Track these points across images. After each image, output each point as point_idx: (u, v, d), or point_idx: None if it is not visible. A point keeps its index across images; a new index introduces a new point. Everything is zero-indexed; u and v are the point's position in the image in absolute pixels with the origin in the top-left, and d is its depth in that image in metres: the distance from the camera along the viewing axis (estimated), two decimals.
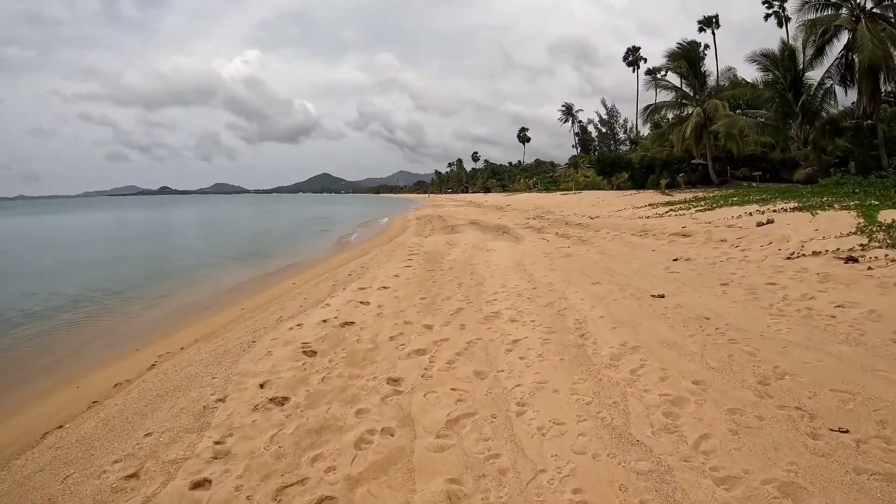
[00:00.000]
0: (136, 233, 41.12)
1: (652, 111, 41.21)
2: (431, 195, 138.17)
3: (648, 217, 21.83)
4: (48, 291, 14.87)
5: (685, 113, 37.89)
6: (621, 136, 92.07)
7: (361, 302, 9.89)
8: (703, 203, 22.93)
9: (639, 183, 45.86)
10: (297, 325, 8.45)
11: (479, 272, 12.63)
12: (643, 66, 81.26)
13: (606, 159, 56.62)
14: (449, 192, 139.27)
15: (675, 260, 12.33)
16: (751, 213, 17.26)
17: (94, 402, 6.34)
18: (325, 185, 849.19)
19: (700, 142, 36.57)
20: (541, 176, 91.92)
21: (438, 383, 5.67)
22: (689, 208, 22.32)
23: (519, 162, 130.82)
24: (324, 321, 8.55)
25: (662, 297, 8.96)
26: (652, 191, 38.03)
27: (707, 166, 37.92)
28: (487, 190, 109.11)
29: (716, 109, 34.89)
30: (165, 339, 9.58)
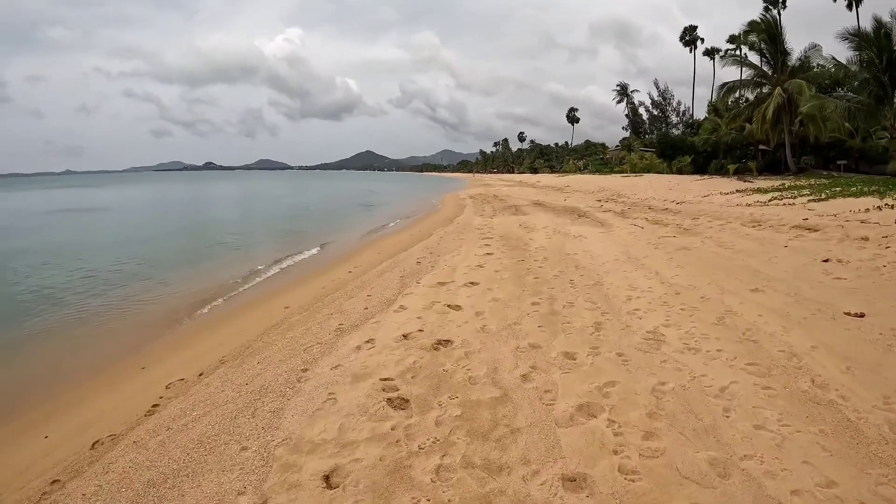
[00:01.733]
0: (178, 208, 39.26)
1: (729, 90, 36.99)
2: (477, 175, 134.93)
3: (749, 205, 18.58)
4: (69, 272, 13.12)
5: (762, 93, 33.76)
6: (673, 119, 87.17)
7: (449, 305, 7.22)
8: (805, 192, 19.56)
9: (700, 168, 42.19)
10: (367, 341, 5.82)
11: (585, 265, 9.98)
12: (700, 47, 75.84)
13: (668, 142, 52.56)
14: (494, 172, 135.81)
15: (826, 261, 9.50)
16: (879, 207, 14.00)
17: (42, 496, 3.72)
18: (368, 162, 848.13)
19: (777, 125, 32.42)
20: (591, 157, 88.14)
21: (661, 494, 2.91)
22: (794, 197, 18.98)
23: (566, 143, 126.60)
24: (404, 336, 5.90)
25: (862, 315, 6.28)
26: (719, 176, 34.43)
27: (774, 152, 34.09)
28: (535, 171, 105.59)
29: (799, 91, 30.77)
30: (183, 349, 7.07)
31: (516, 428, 3.90)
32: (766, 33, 32.82)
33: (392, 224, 23.74)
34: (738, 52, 42.39)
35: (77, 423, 5.08)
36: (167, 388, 5.47)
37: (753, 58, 36.34)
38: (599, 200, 26.90)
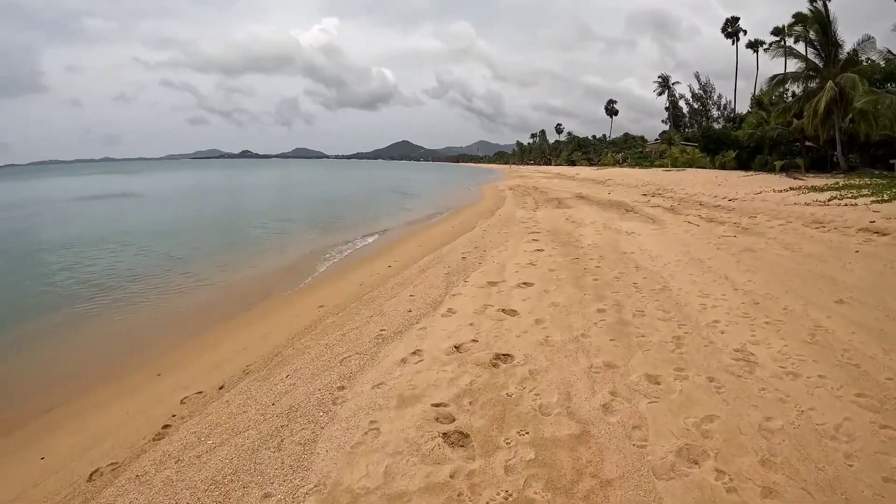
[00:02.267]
0: (217, 195, 39.13)
1: (778, 82, 34.93)
2: (513, 166, 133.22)
3: (807, 204, 17.19)
4: (90, 263, 12.87)
5: (811, 86, 31.71)
6: (714, 113, 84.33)
7: (504, 310, 6.38)
8: (864, 192, 18.09)
9: (744, 163, 40.24)
10: (413, 352, 5.03)
11: (645, 266, 9.10)
12: (742, 39, 72.72)
13: (712, 135, 50.45)
14: (531, 164, 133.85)
15: None
16: None
17: None
18: (404, 152, 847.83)
19: (827, 120, 30.37)
20: (630, 151, 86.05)
21: None
22: (854, 197, 17.55)
23: (604, 136, 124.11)
24: (456, 347, 5.09)
25: None
26: (764, 173, 32.68)
27: (820, 149, 32.12)
28: (572, 163, 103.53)
29: (852, 85, 28.72)
30: (206, 352, 6.37)
31: (606, 480, 3.07)
32: (818, 23, 30.82)
33: (432, 214, 22.96)
34: (781, 46, 40.08)
35: (79, 442, 4.40)
36: (182, 402, 4.75)
37: (802, 50, 34.44)
38: (645, 195, 25.66)
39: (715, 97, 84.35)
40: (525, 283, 7.73)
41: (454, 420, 3.74)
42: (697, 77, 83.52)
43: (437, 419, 3.73)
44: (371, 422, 3.76)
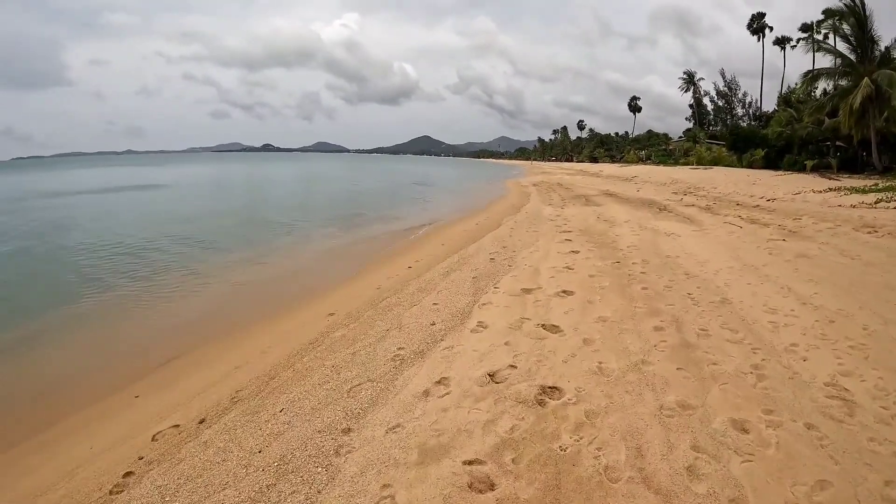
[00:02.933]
0: (234, 188, 38.45)
1: (812, 78, 33.24)
2: (534, 162, 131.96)
3: (853, 206, 15.97)
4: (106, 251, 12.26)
5: (847, 83, 30.05)
6: (739, 111, 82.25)
7: (544, 326, 5.46)
8: None
9: (772, 162, 38.81)
10: (438, 381, 4.15)
11: (695, 272, 8.15)
12: (769, 36, 70.40)
13: (740, 134, 48.84)
14: (552, 160, 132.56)
15: None
16: None
17: None
18: (425, 147, 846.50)
19: (862, 119, 28.73)
20: (654, 148, 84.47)
21: None
22: None
23: (626, 133, 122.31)
24: (490, 376, 4.19)
25: None
26: (793, 172, 31.20)
27: (847, 149, 30.58)
28: (594, 160, 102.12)
29: (889, 82, 27.11)
30: (196, 369, 5.50)
31: None
32: (854, 17, 29.19)
33: (455, 210, 22.01)
34: (814, 40, 38.37)
35: (28, 487, 3.51)
36: (154, 439, 3.87)
37: (834, 46, 32.85)
38: (676, 193, 24.48)
39: (740, 95, 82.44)
40: (564, 292, 6.77)
41: (493, 487, 2.81)
42: (723, 74, 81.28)
43: (470, 486, 2.81)
44: (384, 486, 2.85)
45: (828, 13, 29.80)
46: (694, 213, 16.23)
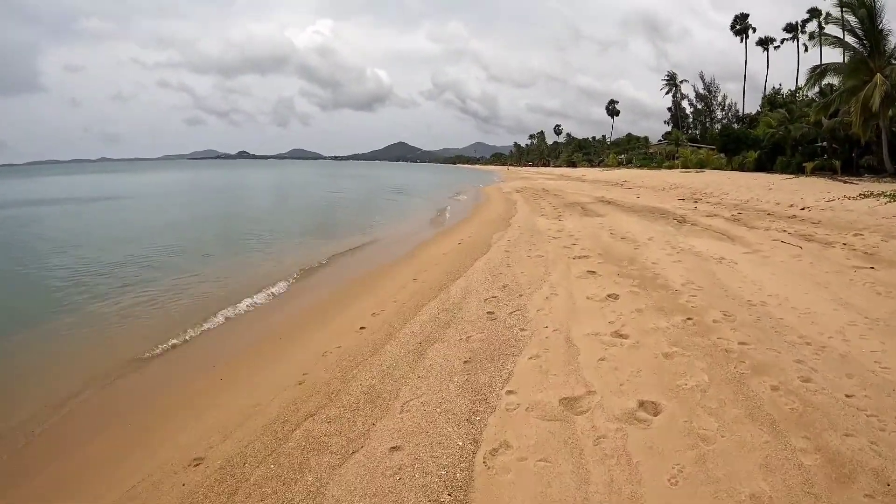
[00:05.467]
0: (210, 198, 34.33)
1: (820, 74, 30.58)
2: (511, 167, 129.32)
3: None
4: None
5: (856, 80, 27.40)
6: (718, 114, 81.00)
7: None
8: None
9: (763, 164, 36.87)
10: None
11: (813, 337, 5.24)
12: (752, 37, 68.68)
13: (732, 135, 46.61)
14: (529, 165, 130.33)
15: None
16: None
17: None
18: (400, 153, 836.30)
19: (871, 118, 26.11)
20: (635, 152, 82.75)
21: None
22: None
23: (603, 136, 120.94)
24: None
25: None
26: (791, 175, 28.81)
27: (851, 150, 28.83)
28: (573, 164, 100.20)
29: None
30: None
31: None
32: (865, 8, 26.55)
33: (432, 221, 18.65)
34: (822, 34, 35.94)
35: None
36: None
37: (833, 43, 30.49)
38: (683, 200, 21.56)
39: (719, 97, 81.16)
40: (641, 405, 3.55)
41: None
42: (702, 77, 79.77)
43: None
44: None
45: (840, 2, 27.09)
46: (724, 225, 13.28)
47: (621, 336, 5.13)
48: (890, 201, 14.80)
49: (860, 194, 17.32)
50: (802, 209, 15.82)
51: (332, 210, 24.00)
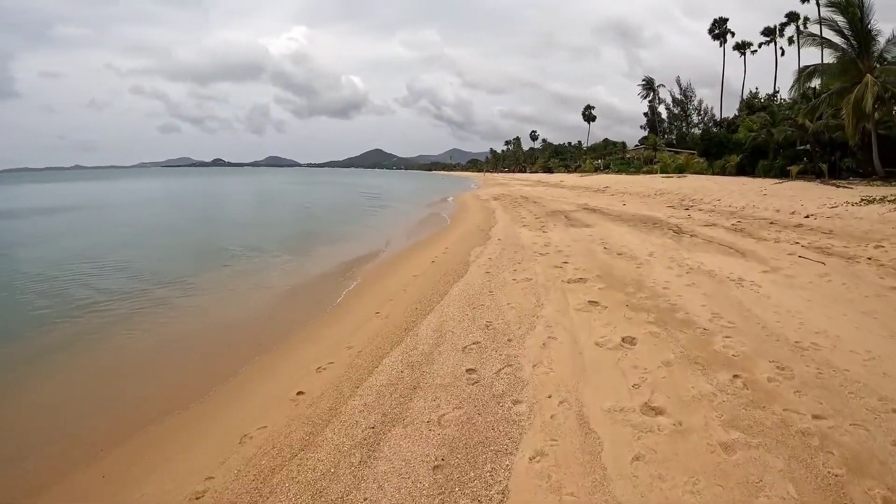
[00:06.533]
0: (178, 211, 32.12)
1: (808, 75, 29.69)
2: (487, 174, 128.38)
3: None
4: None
5: (846, 81, 26.55)
6: (695, 118, 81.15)
7: None
8: None
9: (744, 168, 36.45)
10: None
11: (870, 383, 4.09)
12: (730, 41, 68.67)
13: (713, 139, 46.01)
14: (505, 171, 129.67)
15: None
16: None
17: None
18: (377, 160, 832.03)
19: (860, 121, 25.27)
20: (612, 157, 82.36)
21: None
22: None
23: (580, 142, 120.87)
24: None
25: None
26: (775, 178, 27.95)
27: (832, 153, 28.43)
28: (549, 170, 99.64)
29: None
30: None
31: None
32: (856, 8, 25.68)
33: (405, 233, 17.05)
34: (807, 33, 35.30)
35: None
36: None
37: (813, 44, 29.74)
38: (672, 207, 20.30)
39: (695, 102, 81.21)
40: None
41: None
42: (678, 82, 79.75)
43: None
44: None
45: (831, 4, 26.23)
46: (727, 236, 12.00)
47: (655, 411, 3.67)
48: (876, 202, 13.68)
49: (863, 199, 16.15)
50: (807, 217, 14.59)
51: (302, 223, 22.06)
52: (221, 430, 4.13)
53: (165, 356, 6.08)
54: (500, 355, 4.80)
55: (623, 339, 5.03)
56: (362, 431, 3.69)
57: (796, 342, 5.02)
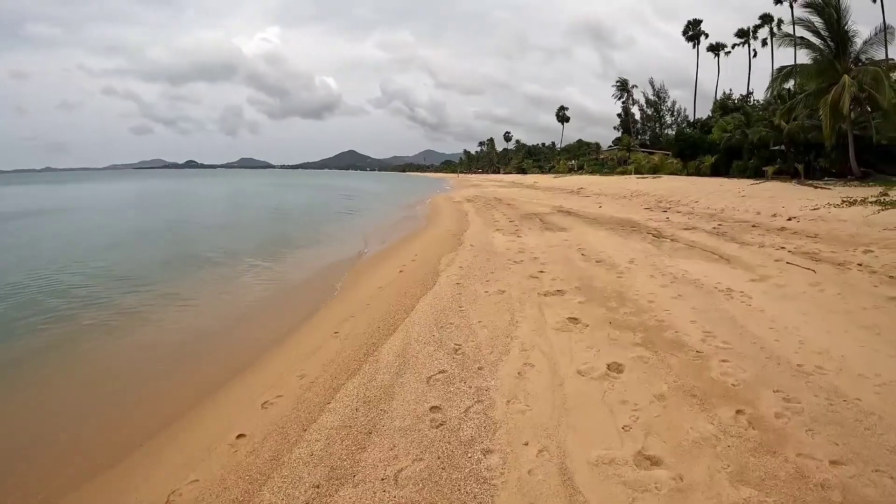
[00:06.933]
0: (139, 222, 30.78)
1: (786, 74, 29.72)
2: (461, 175, 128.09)
3: None
4: None
5: (822, 83, 26.58)
6: (668, 119, 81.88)
7: None
8: None
9: (718, 169, 36.33)
10: None
11: (885, 415, 3.19)
12: (704, 42, 69.33)
13: (687, 140, 46.05)
14: (479, 172, 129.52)
15: None
16: None
17: None
18: (351, 161, 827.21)
19: (837, 121, 25.35)
20: (585, 158, 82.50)
21: None
22: None
23: (553, 143, 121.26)
24: None
25: None
26: (757, 180, 27.77)
27: (801, 155, 28.43)
28: (523, 171, 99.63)
29: (875, 80, 23.88)
30: None
31: None
32: (833, 9, 25.65)
33: (373, 235, 16.33)
34: (783, 33, 35.35)
35: None
36: None
37: (789, 44, 29.85)
38: (649, 209, 19.96)
39: (668, 103, 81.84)
40: None
41: None
42: (651, 83, 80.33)
43: None
44: None
45: (809, 4, 26.22)
46: (709, 241, 11.59)
47: (651, 461, 3.11)
48: (882, 209, 13.36)
49: (844, 201, 15.89)
50: (789, 219, 14.29)
51: (272, 228, 20.98)
52: (146, 486, 3.46)
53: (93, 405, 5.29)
54: (470, 388, 4.19)
55: (609, 367, 4.45)
56: (305, 493, 3.06)
57: (799, 365, 4.51)
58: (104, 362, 6.02)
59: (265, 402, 4.48)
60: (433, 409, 3.89)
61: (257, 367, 5.54)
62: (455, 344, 5.18)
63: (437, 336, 5.46)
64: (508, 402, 3.92)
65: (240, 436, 3.94)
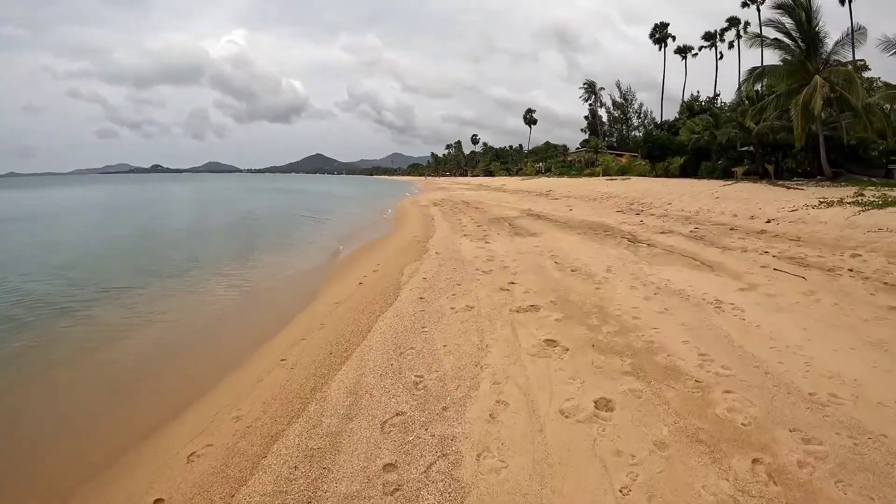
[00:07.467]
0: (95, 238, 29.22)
1: (759, 75, 29.69)
2: (429, 178, 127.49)
3: (890, 231, 11.18)
4: None
5: (793, 83, 26.65)
6: (634, 121, 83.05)
7: None
8: None
9: (686, 170, 36.65)
10: None
11: None
12: (671, 45, 70.30)
13: (656, 141, 46.12)
14: (447, 175, 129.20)
15: None
16: None
17: None
18: (318, 165, 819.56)
19: (808, 122, 25.48)
20: (553, 160, 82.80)
21: None
22: None
23: (521, 146, 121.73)
24: None
25: None
26: (728, 181, 27.83)
27: (768, 155, 28.96)
28: (490, 173, 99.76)
29: (846, 80, 24.02)
30: None
31: None
32: (805, 11, 25.70)
33: (334, 241, 15.52)
34: (754, 33, 35.44)
35: None
36: None
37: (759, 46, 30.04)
38: (622, 211, 19.54)
39: (635, 105, 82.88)
40: None
41: None
42: (618, 85, 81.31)
43: None
44: None
45: (780, 5, 26.28)
46: (688, 246, 11.15)
47: None
48: (862, 210, 13.06)
49: (821, 202, 15.62)
50: (768, 222, 13.93)
51: (234, 237, 19.79)
52: None
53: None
54: (432, 437, 3.47)
55: (596, 404, 3.78)
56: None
57: (811, 394, 3.92)
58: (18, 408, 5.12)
59: (192, 454, 3.71)
60: (387, 467, 3.16)
61: (194, 405, 4.75)
62: (416, 376, 4.46)
63: (395, 365, 4.73)
64: (479, 455, 3.22)
65: (157, 501, 3.17)
